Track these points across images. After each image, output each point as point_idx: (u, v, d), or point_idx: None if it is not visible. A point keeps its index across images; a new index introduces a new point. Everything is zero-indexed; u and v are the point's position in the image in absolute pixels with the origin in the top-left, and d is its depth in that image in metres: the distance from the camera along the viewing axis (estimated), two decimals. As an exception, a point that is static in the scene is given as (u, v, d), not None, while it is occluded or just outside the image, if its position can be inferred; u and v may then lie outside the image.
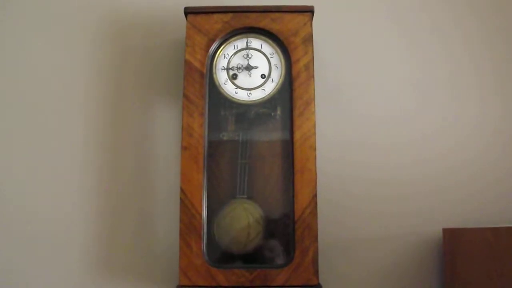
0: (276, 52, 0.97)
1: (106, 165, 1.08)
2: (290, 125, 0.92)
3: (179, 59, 1.05)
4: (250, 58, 0.97)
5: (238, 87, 0.96)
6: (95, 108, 1.10)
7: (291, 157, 0.91)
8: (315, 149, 0.90)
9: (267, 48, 0.97)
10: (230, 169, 0.99)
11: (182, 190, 0.90)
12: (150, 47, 1.12)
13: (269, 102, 0.97)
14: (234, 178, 0.97)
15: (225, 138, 0.98)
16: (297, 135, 0.91)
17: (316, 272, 0.87)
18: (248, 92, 0.96)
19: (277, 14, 0.95)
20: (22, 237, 1.05)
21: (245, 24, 0.96)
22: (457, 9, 1.13)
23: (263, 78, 0.97)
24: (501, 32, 1.12)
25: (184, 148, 0.91)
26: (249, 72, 0.97)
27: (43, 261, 1.04)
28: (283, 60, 0.96)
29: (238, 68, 0.97)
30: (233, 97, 0.96)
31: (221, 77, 0.97)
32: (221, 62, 0.97)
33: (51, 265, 1.04)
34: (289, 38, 0.95)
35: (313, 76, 0.93)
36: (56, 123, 1.10)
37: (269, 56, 0.97)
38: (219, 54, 0.97)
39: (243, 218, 0.94)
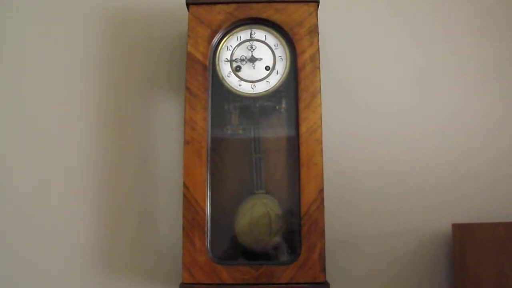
0: (281, 43, 0.95)
1: (107, 161, 1.06)
2: (295, 118, 0.90)
3: (181, 52, 1.04)
4: (254, 49, 0.95)
5: (241, 79, 0.95)
6: (96, 103, 1.09)
7: (296, 151, 0.89)
8: (321, 143, 0.88)
9: (272, 39, 0.95)
10: (234, 164, 0.98)
11: (185, 185, 0.88)
12: (152, 39, 1.11)
13: (273, 95, 0.95)
14: (247, 173, 0.96)
15: (229, 131, 0.96)
16: (303, 128, 0.89)
17: (323, 269, 0.85)
18: (252, 84, 0.94)
19: (281, 5, 0.93)
20: (25, 237, 1.04)
21: (249, 15, 0.94)
22: (464, 3, 1.12)
23: (267, 70, 0.95)
24: (509, 26, 1.10)
25: (186, 143, 0.89)
26: (253, 64, 0.95)
27: (47, 260, 1.03)
28: (288, 52, 0.94)
29: (241, 60, 0.95)
30: (236, 90, 0.94)
31: (224, 70, 0.95)
32: (224, 54, 0.95)
33: (55, 264, 1.03)
34: (294, 29, 0.93)
35: (319, 68, 0.91)
36: (57, 119, 1.09)
37: (273, 47, 0.95)
38: (222, 46, 0.95)
39: (264, 215, 0.92)
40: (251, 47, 0.95)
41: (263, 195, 0.94)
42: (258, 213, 0.92)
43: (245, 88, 0.94)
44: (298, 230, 0.87)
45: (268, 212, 0.92)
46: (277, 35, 0.95)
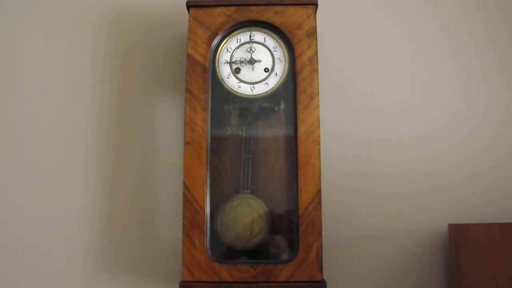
0: (280, 45, 0.96)
1: (109, 161, 1.07)
2: (294, 119, 0.91)
3: (182, 54, 1.05)
4: (253, 51, 0.96)
5: (241, 81, 0.96)
6: (98, 104, 1.10)
7: (295, 152, 0.90)
8: (319, 144, 0.89)
9: (271, 41, 0.96)
10: (233, 164, 0.98)
11: (185, 185, 0.89)
12: (153, 41, 1.11)
13: (272, 96, 0.96)
14: (238, 173, 0.97)
15: (228, 132, 0.97)
16: (301, 130, 0.90)
17: (320, 268, 0.86)
18: (252, 86, 0.95)
19: (280, 7, 0.94)
20: (27, 236, 1.05)
21: (248, 18, 0.95)
22: (463, 4, 1.12)
23: (266, 72, 0.96)
24: (508, 27, 1.11)
25: (187, 143, 0.90)
26: (252, 66, 0.96)
27: (49, 260, 1.04)
28: (286, 54, 0.95)
29: (241, 62, 0.96)
30: (236, 91, 0.95)
31: (224, 71, 0.96)
32: (224, 56, 0.96)
33: (57, 263, 1.04)
34: (292, 31, 0.94)
35: (317, 70, 0.92)
36: (58, 121, 1.09)
37: (272, 49, 0.96)
38: (222, 48, 0.96)
39: (247, 214, 0.93)
40: (251, 49, 0.96)
41: (248, 195, 0.95)
42: (241, 212, 0.93)
43: (245, 90, 0.95)
44: (296, 230, 0.88)
45: (251, 212, 0.93)
46: (276, 37, 0.96)
